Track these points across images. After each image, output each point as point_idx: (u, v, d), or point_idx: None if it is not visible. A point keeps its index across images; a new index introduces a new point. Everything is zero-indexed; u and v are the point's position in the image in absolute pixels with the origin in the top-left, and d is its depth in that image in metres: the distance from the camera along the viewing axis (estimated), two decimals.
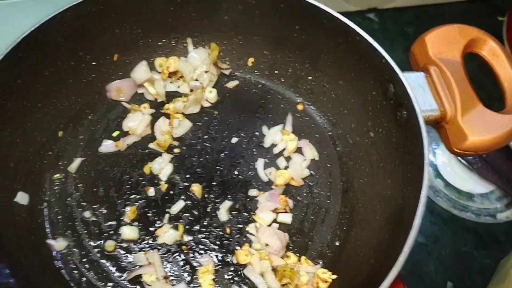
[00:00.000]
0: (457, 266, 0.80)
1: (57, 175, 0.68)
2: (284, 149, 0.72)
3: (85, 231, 0.65)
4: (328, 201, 0.68)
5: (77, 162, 0.69)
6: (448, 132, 0.60)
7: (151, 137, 0.72)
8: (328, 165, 0.71)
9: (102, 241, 0.64)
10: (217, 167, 0.70)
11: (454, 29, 0.64)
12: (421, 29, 1.12)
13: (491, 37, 0.63)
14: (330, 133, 0.74)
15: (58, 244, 0.63)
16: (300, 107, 0.76)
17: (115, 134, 0.72)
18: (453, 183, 0.88)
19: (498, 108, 0.61)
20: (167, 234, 0.64)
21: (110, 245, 0.64)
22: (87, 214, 0.66)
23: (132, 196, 0.67)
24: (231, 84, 0.78)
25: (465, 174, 0.89)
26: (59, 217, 0.65)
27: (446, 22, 1.15)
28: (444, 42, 0.63)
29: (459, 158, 0.89)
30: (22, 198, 0.63)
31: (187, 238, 0.64)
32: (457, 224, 0.84)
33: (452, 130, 0.59)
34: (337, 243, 0.65)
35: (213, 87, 0.76)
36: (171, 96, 0.76)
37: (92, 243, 0.64)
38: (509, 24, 1.01)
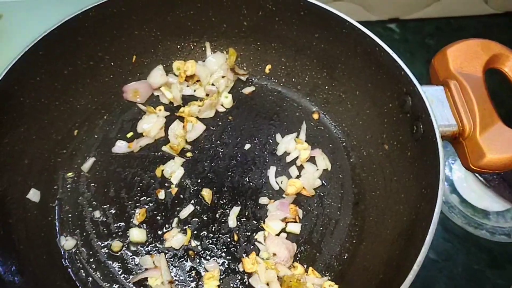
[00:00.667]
0: (469, 285, 0.79)
1: (70, 174, 0.69)
2: (297, 158, 0.71)
3: (94, 231, 0.65)
4: (338, 213, 0.67)
5: (90, 161, 0.70)
6: (465, 148, 0.59)
7: (165, 140, 0.73)
8: (341, 176, 0.71)
9: (110, 242, 0.64)
10: (229, 173, 0.70)
11: (476, 43, 0.63)
12: (442, 41, 1.11)
13: None
14: (344, 144, 0.73)
15: (67, 243, 0.63)
16: (315, 116, 0.75)
17: (129, 135, 0.73)
18: (468, 200, 0.86)
19: None
20: (175, 238, 0.64)
21: (116, 245, 0.64)
22: (97, 214, 0.66)
23: (142, 198, 0.67)
24: (247, 90, 0.78)
25: (482, 191, 0.87)
26: (69, 215, 0.66)
27: (469, 35, 1.14)
28: (466, 57, 0.62)
29: (476, 174, 0.87)
30: (34, 195, 0.64)
31: (194, 243, 0.64)
32: (470, 241, 0.82)
33: (469, 146, 0.58)
34: (345, 256, 0.64)
35: (229, 92, 0.76)
36: (186, 99, 0.76)
37: (100, 243, 0.64)
38: None
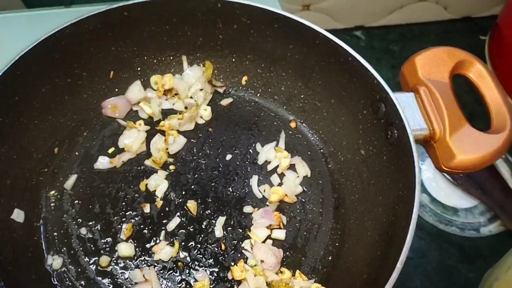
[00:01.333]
0: (443, 280, 0.82)
1: (52, 192, 0.68)
2: (277, 166, 0.73)
3: (81, 248, 0.65)
4: (320, 217, 0.70)
5: (72, 178, 0.70)
6: (437, 150, 0.62)
7: (147, 154, 0.73)
8: (320, 182, 0.73)
9: (98, 258, 0.64)
10: (212, 184, 0.71)
11: (443, 51, 0.66)
12: (406, 47, 1.17)
13: (478, 60, 0.66)
14: (322, 150, 0.75)
15: (54, 262, 0.63)
16: (292, 124, 0.78)
17: (111, 151, 0.73)
18: (438, 198, 0.90)
19: (480, 125, 0.64)
20: (163, 250, 0.64)
21: (104, 260, 0.64)
22: (83, 231, 0.66)
23: (128, 213, 0.68)
24: (225, 102, 0.79)
25: (450, 189, 0.91)
26: (55, 234, 0.65)
27: (430, 41, 1.19)
28: (433, 64, 0.65)
29: (444, 173, 0.91)
30: (18, 215, 0.63)
31: (183, 254, 0.65)
32: (442, 238, 0.86)
33: (440, 149, 0.61)
34: (329, 258, 0.66)
35: (208, 105, 0.78)
36: (166, 113, 0.77)
37: (88, 260, 0.64)
38: (490, 43, 1.05)
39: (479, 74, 0.65)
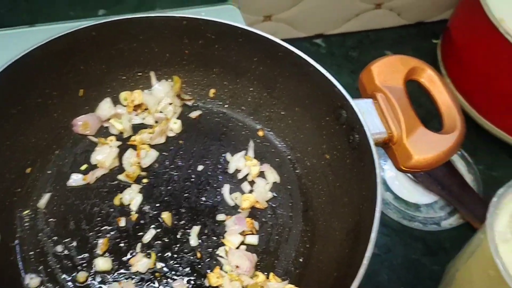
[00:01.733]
0: (409, 273, 0.87)
1: (26, 211, 0.69)
2: (247, 174, 0.76)
3: (58, 266, 0.65)
4: (290, 221, 0.73)
5: (46, 197, 0.70)
6: (395, 152, 0.66)
7: (119, 169, 0.75)
8: (289, 187, 0.76)
9: (76, 274, 0.65)
10: (185, 195, 0.73)
11: (396, 59, 0.71)
12: (364, 53, 1.22)
13: (428, 66, 0.71)
14: (289, 157, 0.79)
15: (32, 281, 0.63)
16: (260, 133, 0.81)
17: (83, 167, 0.74)
18: (401, 196, 0.95)
19: (437, 125, 0.68)
20: (140, 262, 0.66)
21: (82, 275, 0.65)
22: (59, 248, 0.67)
23: (104, 228, 0.69)
24: (194, 114, 0.81)
25: (411, 187, 0.96)
26: (31, 253, 0.66)
27: (386, 46, 1.26)
28: (388, 71, 0.70)
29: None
30: None
31: (159, 265, 0.67)
32: (406, 233, 0.90)
33: (398, 150, 0.66)
34: (301, 260, 0.69)
35: (178, 118, 0.80)
36: (137, 128, 0.78)
37: (65, 277, 0.65)
38: (442, 46, 1.11)
39: (430, 79, 0.70)
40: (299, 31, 1.22)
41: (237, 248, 0.69)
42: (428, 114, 0.92)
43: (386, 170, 0.98)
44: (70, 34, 0.70)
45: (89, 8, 1.02)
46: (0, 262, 0.63)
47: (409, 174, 0.97)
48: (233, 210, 0.73)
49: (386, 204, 0.94)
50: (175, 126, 0.78)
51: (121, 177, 0.74)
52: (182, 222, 0.71)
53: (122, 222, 0.70)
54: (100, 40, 0.73)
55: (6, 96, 0.67)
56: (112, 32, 0.73)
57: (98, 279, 0.65)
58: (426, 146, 0.65)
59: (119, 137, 0.78)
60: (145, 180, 0.74)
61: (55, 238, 0.68)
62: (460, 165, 1.00)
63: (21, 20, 1.00)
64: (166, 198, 0.73)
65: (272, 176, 0.76)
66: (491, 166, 1.01)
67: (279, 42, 0.71)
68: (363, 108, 0.66)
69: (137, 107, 0.79)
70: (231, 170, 0.77)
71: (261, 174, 0.77)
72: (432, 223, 0.92)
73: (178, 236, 0.70)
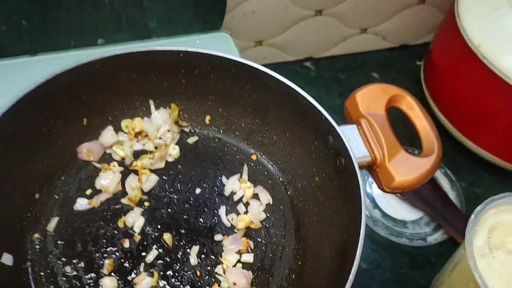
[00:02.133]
0: (397, 286, 0.91)
1: (36, 235, 0.73)
2: (242, 196, 0.80)
3: (67, 285, 0.70)
4: (283, 240, 0.77)
5: (54, 221, 0.75)
6: (379, 174, 0.71)
7: (122, 193, 0.79)
8: (281, 207, 0.81)
9: None
10: (184, 217, 0.78)
11: (378, 87, 0.76)
12: (352, 75, 1.28)
13: (408, 94, 0.76)
14: (281, 179, 0.83)
15: None
16: (253, 157, 0.85)
17: (88, 192, 0.78)
18: (388, 213, 1.00)
19: (420, 143, 0.73)
20: (144, 281, 0.70)
21: None
22: (68, 269, 0.71)
23: (109, 249, 0.73)
24: (191, 140, 0.86)
25: (398, 204, 1.01)
26: (41, 273, 0.70)
27: (373, 69, 1.31)
28: (370, 99, 0.75)
29: None
30: (7, 259, 0.68)
31: (162, 283, 0.71)
32: (394, 249, 0.95)
33: (381, 173, 0.70)
34: (293, 276, 0.74)
35: (176, 144, 0.84)
36: (138, 154, 0.83)
37: None
38: (425, 68, 1.16)
39: (410, 106, 0.75)
40: (289, 55, 1.27)
41: (234, 266, 0.73)
42: (412, 134, 0.97)
43: (374, 189, 1.02)
44: (74, 69, 0.75)
45: (88, 38, 1.07)
46: (13, 283, 0.67)
47: None
48: (230, 230, 0.77)
49: (375, 221, 0.98)
50: (174, 151, 0.83)
51: (124, 200, 0.78)
52: (182, 242, 0.75)
53: (126, 243, 0.74)
54: (102, 72, 0.78)
55: (14, 127, 0.71)
56: (113, 64, 0.78)
57: None
58: (406, 169, 0.70)
59: (121, 162, 0.82)
60: (146, 203, 0.79)
61: (64, 259, 0.72)
62: (444, 182, 1.05)
63: (24, 50, 1.05)
64: (167, 220, 0.77)
65: (266, 197, 0.81)
66: (473, 183, 1.06)
67: (269, 73, 0.76)
68: (348, 134, 0.71)
69: (137, 134, 0.84)
70: (227, 192, 0.81)
71: (255, 196, 0.81)
72: (419, 239, 0.97)
73: (179, 256, 0.74)
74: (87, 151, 0.81)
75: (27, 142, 0.74)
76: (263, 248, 0.76)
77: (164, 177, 0.82)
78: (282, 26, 1.19)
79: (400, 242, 0.96)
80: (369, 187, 1.03)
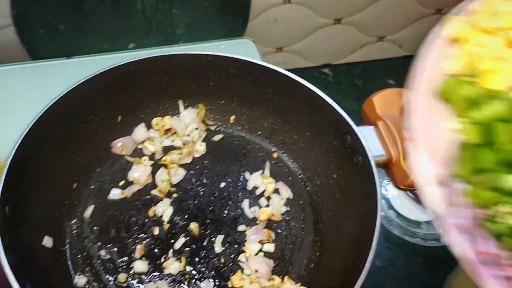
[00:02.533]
0: (410, 284, 0.94)
1: (74, 221, 0.79)
2: (264, 191, 0.85)
3: (102, 268, 0.75)
4: (302, 232, 0.81)
5: (90, 209, 0.80)
6: (394, 172, 0.74)
7: (152, 185, 0.84)
8: (301, 202, 0.85)
9: (117, 276, 0.75)
10: (210, 208, 0.83)
11: (394, 92, 0.79)
12: (368, 81, 1.31)
13: None
14: (300, 176, 0.87)
15: (80, 280, 0.73)
16: (275, 155, 0.90)
17: (121, 183, 0.84)
18: (403, 213, 1.02)
19: None
20: (172, 266, 0.75)
21: (122, 276, 0.74)
22: (102, 252, 0.76)
23: (140, 236, 0.79)
24: (217, 138, 0.91)
25: (412, 205, 1.03)
26: (78, 256, 0.76)
27: (388, 75, 1.34)
28: (387, 102, 0.78)
29: (406, 192, 1.04)
30: (47, 241, 0.73)
31: (189, 268, 0.76)
32: (408, 248, 0.97)
33: (397, 170, 0.74)
34: (312, 266, 0.78)
35: (203, 141, 0.89)
36: (167, 149, 0.88)
37: (108, 278, 0.74)
38: None
39: None
40: (308, 61, 1.32)
41: (256, 254, 0.78)
42: None
43: (389, 190, 1.05)
44: (112, 70, 0.81)
45: (120, 42, 1.13)
46: (53, 264, 0.73)
47: (410, 194, 1.04)
48: (252, 221, 0.82)
49: (389, 221, 1.01)
50: (201, 148, 0.88)
51: (154, 192, 0.83)
52: (208, 231, 0.80)
53: (156, 231, 0.79)
54: (136, 73, 0.84)
55: (57, 122, 0.77)
56: (147, 67, 0.84)
57: (136, 279, 0.75)
58: None
59: (151, 157, 0.88)
60: (175, 195, 0.84)
61: (99, 243, 0.77)
62: None
63: (60, 53, 1.12)
64: (193, 211, 0.82)
65: (286, 192, 0.85)
66: None
67: (292, 77, 0.81)
68: (365, 134, 0.75)
69: (167, 131, 0.89)
70: (249, 187, 0.86)
71: (276, 191, 0.86)
72: (432, 239, 0.98)
73: (205, 244, 0.79)
74: (121, 146, 0.86)
75: (67, 137, 0.80)
76: (283, 239, 0.81)
77: (191, 171, 0.87)
78: (302, 33, 1.24)
79: (413, 242, 0.98)
80: (384, 189, 1.06)
